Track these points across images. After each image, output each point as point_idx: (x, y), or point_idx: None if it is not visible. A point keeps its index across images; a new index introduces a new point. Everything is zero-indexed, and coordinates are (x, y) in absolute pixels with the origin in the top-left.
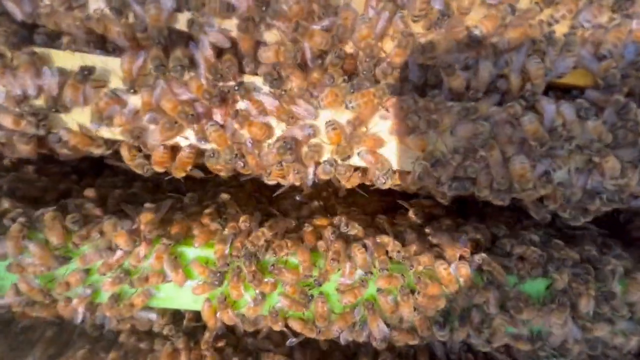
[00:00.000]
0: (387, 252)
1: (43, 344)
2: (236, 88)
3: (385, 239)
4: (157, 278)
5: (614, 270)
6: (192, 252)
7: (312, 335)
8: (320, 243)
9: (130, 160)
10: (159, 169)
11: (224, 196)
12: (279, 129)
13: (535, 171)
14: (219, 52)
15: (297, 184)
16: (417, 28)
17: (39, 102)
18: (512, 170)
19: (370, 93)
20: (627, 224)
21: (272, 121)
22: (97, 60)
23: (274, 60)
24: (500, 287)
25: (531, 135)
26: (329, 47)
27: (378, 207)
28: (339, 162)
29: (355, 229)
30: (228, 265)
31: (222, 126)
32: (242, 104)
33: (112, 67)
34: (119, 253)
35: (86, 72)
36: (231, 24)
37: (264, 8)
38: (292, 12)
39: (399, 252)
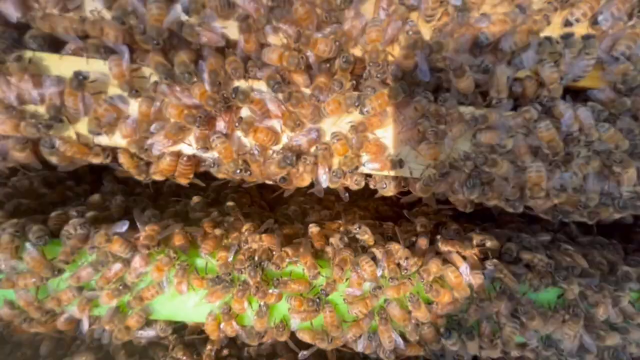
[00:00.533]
0: (395, 260)
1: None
2: (233, 96)
3: (395, 246)
4: (154, 291)
5: (628, 277)
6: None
7: (323, 345)
8: (328, 249)
9: (133, 168)
10: (159, 178)
11: (229, 204)
12: (285, 134)
13: (551, 179)
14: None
15: (307, 183)
16: (427, 30)
17: (37, 109)
18: (527, 178)
19: (384, 94)
20: (633, 226)
21: (277, 125)
22: (97, 64)
23: (277, 63)
24: (512, 297)
25: (546, 142)
26: (333, 54)
27: (384, 212)
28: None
29: (366, 234)
30: (230, 274)
31: (226, 135)
32: (245, 111)
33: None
34: (116, 266)
35: (81, 77)
36: (233, 26)
37: (271, 12)
38: (298, 15)
39: (407, 258)
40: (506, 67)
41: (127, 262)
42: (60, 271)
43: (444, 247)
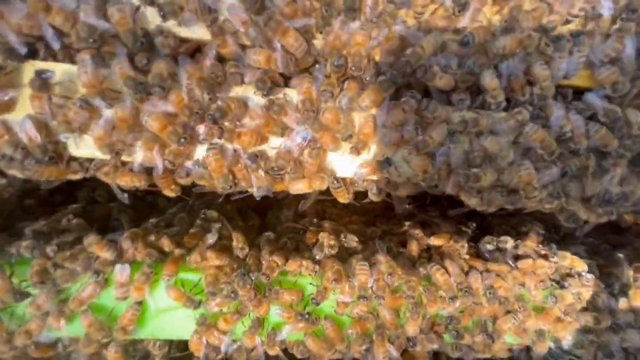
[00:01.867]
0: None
1: None
2: (209, 117)
3: (381, 266)
4: (131, 313)
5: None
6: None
7: (328, 354)
8: (316, 251)
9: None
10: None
11: (212, 214)
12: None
13: (543, 179)
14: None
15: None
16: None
17: None
18: (518, 178)
19: (375, 90)
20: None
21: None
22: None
23: (264, 65)
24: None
25: (539, 143)
26: (300, 52)
27: (376, 210)
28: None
29: (354, 242)
30: (214, 294)
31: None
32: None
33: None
34: (89, 289)
35: (43, 76)
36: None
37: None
38: (284, 15)
39: (390, 274)
40: (492, 72)
41: (101, 284)
42: (23, 295)
43: (434, 241)
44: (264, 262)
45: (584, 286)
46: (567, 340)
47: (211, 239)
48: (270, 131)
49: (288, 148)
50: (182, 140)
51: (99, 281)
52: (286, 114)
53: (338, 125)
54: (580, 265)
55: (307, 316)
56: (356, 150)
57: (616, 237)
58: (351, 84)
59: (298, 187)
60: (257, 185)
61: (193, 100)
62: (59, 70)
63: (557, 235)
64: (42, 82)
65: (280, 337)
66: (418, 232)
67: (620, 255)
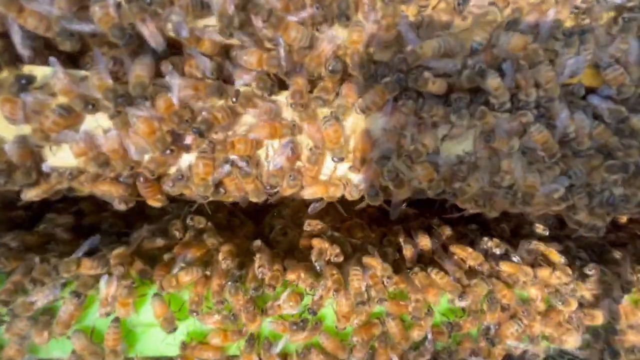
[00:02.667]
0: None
1: None
2: (195, 131)
3: (374, 263)
4: (115, 334)
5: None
6: None
7: None
8: (315, 257)
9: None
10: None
11: (199, 220)
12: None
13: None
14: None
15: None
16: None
17: None
18: (522, 181)
19: (379, 91)
20: None
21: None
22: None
23: (256, 67)
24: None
25: (541, 145)
26: (304, 43)
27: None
28: None
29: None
30: (197, 313)
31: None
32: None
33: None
34: (69, 307)
35: (24, 82)
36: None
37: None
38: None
39: (389, 278)
40: (495, 71)
41: (80, 303)
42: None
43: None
44: (263, 272)
45: (588, 290)
46: (569, 344)
47: (180, 263)
48: (280, 134)
49: (278, 165)
50: (168, 152)
51: (80, 301)
52: (255, 106)
53: (336, 145)
54: (555, 258)
55: (301, 324)
56: (356, 169)
57: (614, 236)
58: (349, 87)
59: (311, 192)
60: (251, 192)
61: (184, 106)
62: (40, 74)
63: (561, 233)
64: (22, 87)
65: (276, 349)
66: (422, 240)
67: (620, 254)
